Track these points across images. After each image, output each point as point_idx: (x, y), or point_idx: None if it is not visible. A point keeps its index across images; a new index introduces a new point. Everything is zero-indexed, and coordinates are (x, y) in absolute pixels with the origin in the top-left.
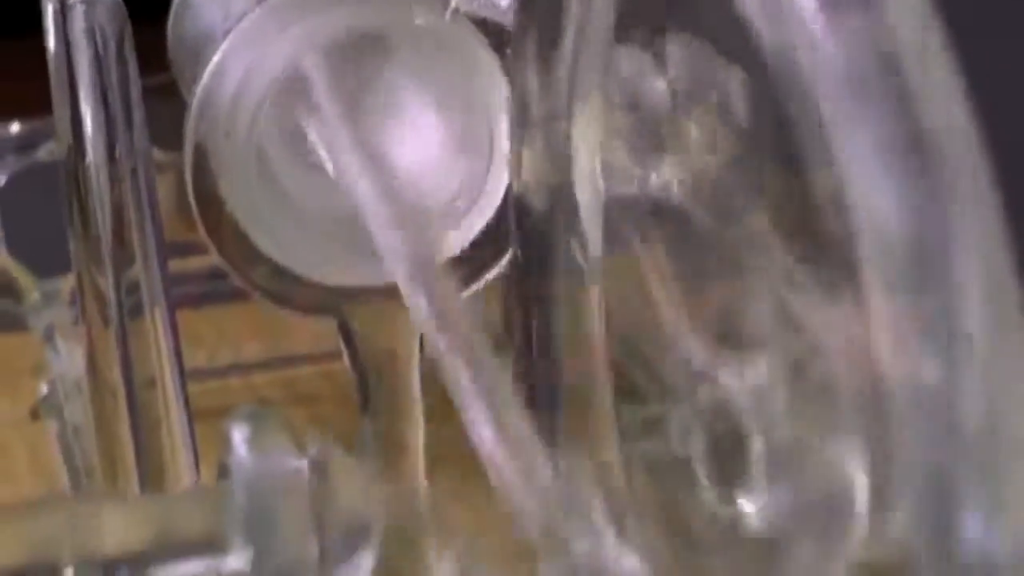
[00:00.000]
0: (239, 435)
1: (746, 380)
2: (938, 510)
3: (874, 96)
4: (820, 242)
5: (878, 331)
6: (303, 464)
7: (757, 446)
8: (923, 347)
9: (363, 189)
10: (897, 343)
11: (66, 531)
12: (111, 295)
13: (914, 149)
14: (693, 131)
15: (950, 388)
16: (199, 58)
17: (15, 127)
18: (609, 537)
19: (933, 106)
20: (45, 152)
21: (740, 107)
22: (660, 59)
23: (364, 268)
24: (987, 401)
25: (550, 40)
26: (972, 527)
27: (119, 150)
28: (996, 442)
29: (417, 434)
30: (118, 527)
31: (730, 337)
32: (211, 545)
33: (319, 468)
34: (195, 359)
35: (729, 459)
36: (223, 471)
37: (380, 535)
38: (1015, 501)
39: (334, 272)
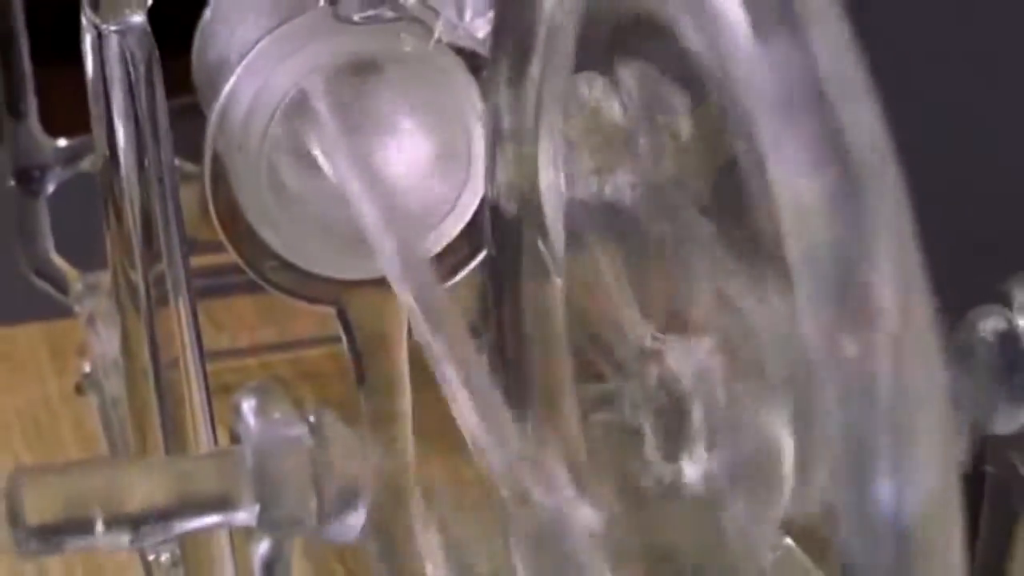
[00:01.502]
0: (247, 406)
1: (688, 359)
2: (855, 472)
3: (799, 113)
4: (753, 239)
5: (803, 315)
6: (303, 430)
7: (697, 416)
8: (841, 326)
9: (357, 194)
10: (819, 324)
11: (98, 490)
12: (141, 287)
13: (834, 156)
14: (642, 144)
15: (865, 361)
16: (216, 82)
17: (61, 142)
18: (569, 492)
19: (852, 120)
20: (87, 164)
21: (683, 123)
22: (614, 83)
23: (359, 263)
24: (898, 372)
25: (519, 66)
26: (886, 487)
27: (148, 161)
28: (907, 410)
29: (405, 405)
30: (144, 486)
31: (674, 322)
32: (224, 502)
33: (317, 434)
34: (217, 342)
35: (673, 428)
36: (234, 438)
37: (371, 492)
38: (924, 463)
39: (333, 267)
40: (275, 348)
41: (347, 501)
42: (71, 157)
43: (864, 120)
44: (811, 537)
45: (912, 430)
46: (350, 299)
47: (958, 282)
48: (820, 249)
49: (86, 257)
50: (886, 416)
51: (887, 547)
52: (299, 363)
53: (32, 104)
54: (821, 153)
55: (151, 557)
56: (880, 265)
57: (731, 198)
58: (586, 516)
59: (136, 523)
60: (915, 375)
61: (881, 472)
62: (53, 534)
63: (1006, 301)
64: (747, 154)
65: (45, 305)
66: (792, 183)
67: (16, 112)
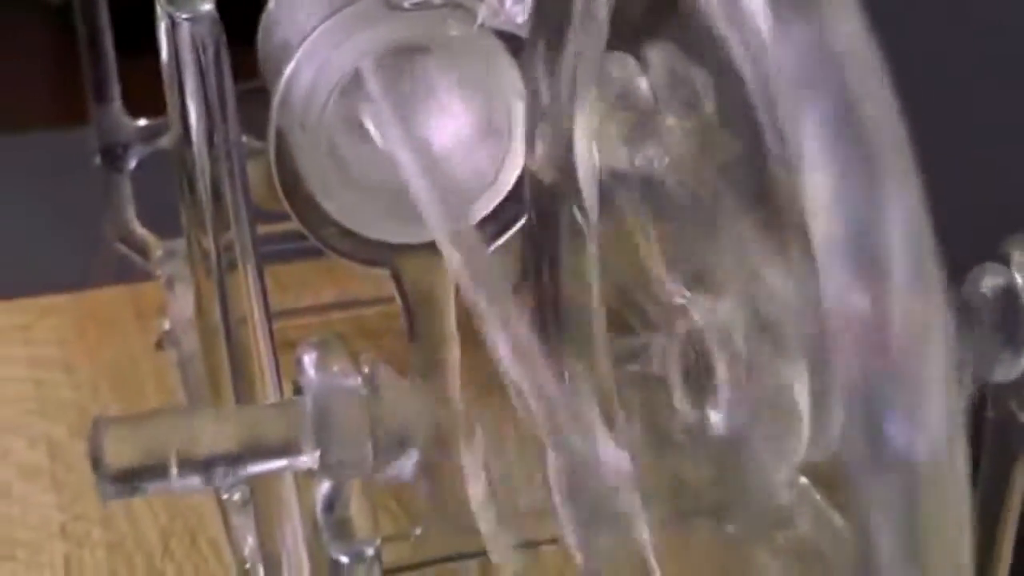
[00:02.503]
0: (308, 359)
1: (713, 316)
2: (867, 418)
3: (817, 89)
4: (774, 207)
5: (821, 275)
6: (359, 382)
7: (721, 368)
8: (855, 283)
9: (407, 165)
10: (835, 283)
11: (172, 437)
12: (212, 252)
13: (851, 131)
14: (670, 119)
15: (878, 317)
16: (279, 66)
17: (142, 122)
18: (602, 436)
19: (867, 96)
20: (165, 141)
21: (708, 101)
22: (643, 63)
23: (411, 229)
24: (908, 326)
25: (556, 48)
26: (896, 432)
27: (217, 138)
28: (916, 361)
29: (454, 357)
30: (214, 434)
31: (701, 282)
32: (288, 447)
33: (372, 384)
34: (283, 302)
35: (698, 378)
36: (297, 389)
37: (422, 437)
38: (932, 409)
39: (388, 232)
40: (335, 307)
41: (399, 445)
42: (150, 135)
43: (877, 95)
44: (826, 478)
45: (920, 379)
46: (403, 262)
47: (962, 242)
48: (835, 212)
49: (165, 226)
50: (896, 366)
51: (897, 487)
52: (357, 321)
53: (115, 89)
54: (837, 125)
55: (224, 497)
56: (891, 227)
57: (753, 168)
58: (617, 458)
59: (207, 467)
60: (923, 328)
61: (892, 418)
62: (131, 478)
63: (1005, 260)
64: (770, 126)
65: (129, 270)
66: (810, 153)
67: (101, 96)
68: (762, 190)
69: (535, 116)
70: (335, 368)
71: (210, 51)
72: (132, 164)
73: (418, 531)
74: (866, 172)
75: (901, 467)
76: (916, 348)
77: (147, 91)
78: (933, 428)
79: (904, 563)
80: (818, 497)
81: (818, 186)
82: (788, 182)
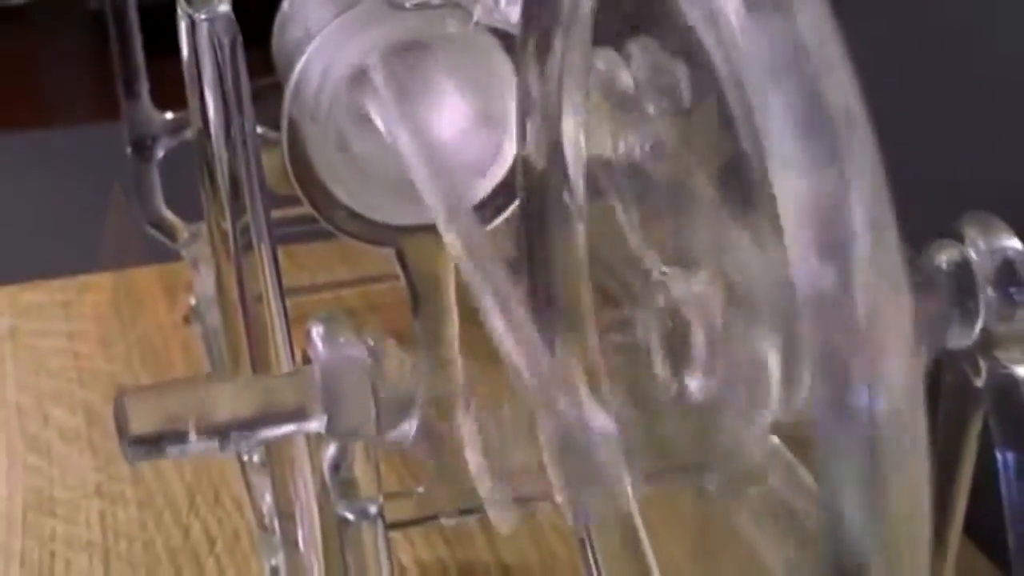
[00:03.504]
0: (316, 332)
1: (691, 290)
2: (833, 382)
3: (784, 75)
4: (747, 189)
5: (789, 251)
6: (363, 352)
7: (698, 337)
8: (822, 257)
9: (409, 152)
10: (802, 258)
11: (191, 404)
12: (230, 234)
13: (817, 116)
14: (650, 109)
15: (843, 290)
16: (291, 62)
17: (168, 115)
18: (589, 401)
19: (829, 80)
20: (190, 133)
21: (685, 91)
22: (626, 57)
23: (413, 211)
24: (871, 299)
25: (545, 44)
26: (860, 395)
27: (233, 130)
28: (879, 331)
29: (453, 331)
30: (230, 401)
31: (680, 259)
32: (298, 413)
33: (375, 355)
34: (299, 280)
35: (677, 347)
36: (306, 359)
37: (422, 403)
38: (894, 374)
39: (392, 215)
40: (347, 284)
41: (400, 411)
42: (177, 128)
43: (840, 80)
44: (795, 437)
45: (883, 345)
46: (406, 242)
47: (919, 220)
48: (802, 192)
49: (191, 210)
50: (860, 336)
51: (862, 446)
52: (368, 296)
53: (144, 85)
54: (803, 111)
55: (244, 458)
56: (855, 205)
57: (726, 153)
58: (603, 422)
59: (223, 432)
60: (885, 299)
61: (856, 382)
62: (153, 442)
63: (959, 237)
64: (741, 113)
65: (159, 251)
66: (778, 134)
67: (131, 92)
68: (736, 174)
69: (527, 107)
70: (341, 340)
71: (227, 49)
72: (160, 154)
73: (421, 489)
74: (831, 155)
75: (864, 427)
76: (879, 319)
77: (174, 87)
78: (894, 390)
79: (867, 513)
80: (789, 455)
81: (786, 169)
82: (759, 166)
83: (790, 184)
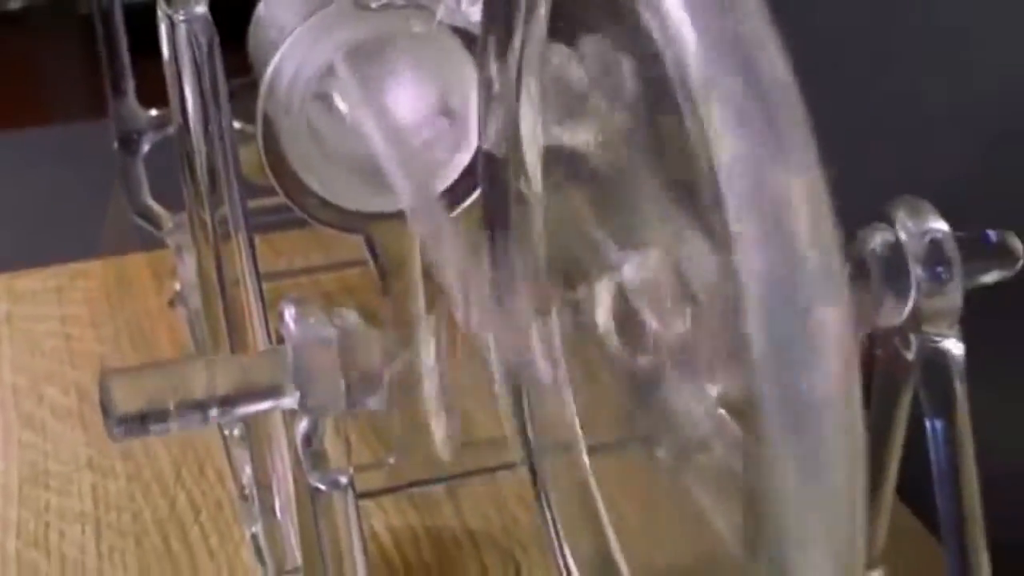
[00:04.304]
0: (288, 313)
1: (641, 272)
2: (776, 358)
3: (727, 67)
4: (691, 173)
5: (732, 236)
6: (333, 331)
7: (648, 318)
8: (760, 242)
9: (379, 143)
10: (744, 243)
11: (172, 384)
12: (209, 223)
13: (755, 99)
14: (601, 103)
15: (782, 271)
16: (266, 60)
17: (153, 112)
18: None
19: (765, 66)
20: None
21: (631, 87)
22: (579, 54)
23: (381, 200)
24: (811, 290)
25: (504, 42)
26: (800, 370)
27: (211, 125)
28: (816, 308)
29: (420, 309)
30: (208, 380)
31: (631, 242)
32: (273, 390)
33: (344, 333)
34: (276, 265)
35: (628, 326)
36: (279, 339)
37: (389, 377)
38: (831, 350)
39: (362, 203)
40: (322, 268)
41: (369, 386)
42: (161, 123)
43: (775, 65)
44: (741, 410)
45: (822, 327)
46: (375, 228)
47: (853, 205)
48: (743, 179)
49: (176, 201)
50: (800, 315)
51: (803, 419)
52: (342, 280)
53: (130, 84)
54: (744, 92)
55: (226, 433)
56: (794, 192)
57: (671, 142)
58: (546, 370)
59: (202, 409)
60: (821, 281)
61: (797, 358)
62: (137, 421)
63: (890, 220)
64: (686, 102)
65: (146, 239)
66: (720, 116)
67: (118, 90)
68: (682, 161)
69: (488, 100)
70: (311, 320)
71: (204, 48)
72: (145, 148)
73: (392, 460)
74: (770, 142)
75: (804, 402)
76: (816, 298)
77: (158, 85)
78: (831, 365)
79: (809, 478)
80: (735, 425)
81: (727, 156)
82: (704, 154)
83: (731, 172)
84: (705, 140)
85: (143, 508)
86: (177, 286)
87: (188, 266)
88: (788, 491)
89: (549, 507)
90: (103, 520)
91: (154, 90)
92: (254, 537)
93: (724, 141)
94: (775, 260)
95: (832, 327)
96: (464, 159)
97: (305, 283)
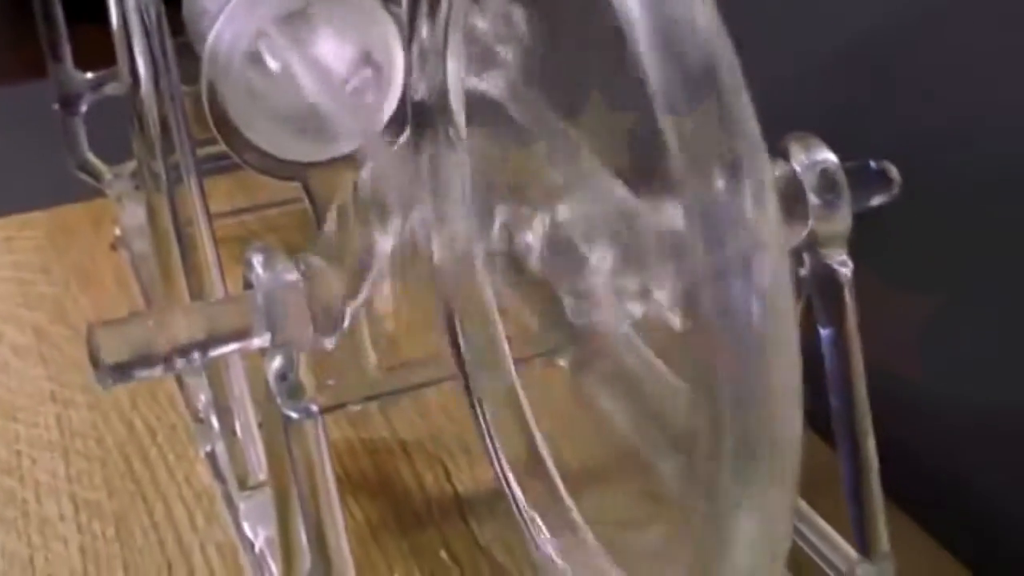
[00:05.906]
0: (256, 260)
1: (566, 211)
2: (718, 279)
3: (666, 40)
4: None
5: (674, 179)
6: (298, 276)
7: (570, 249)
8: (709, 178)
9: (321, 96)
10: (684, 178)
11: (153, 333)
12: (162, 172)
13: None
14: (504, 54)
15: (727, 203)
16: (203, 29)
17: (88, 75)
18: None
19: (701, 42)
20: (109, 90)
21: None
22: (481, 6)
23: (315, 149)
24: (747, 212)
25: (435, 3)
26: (740, 287)
27: (162, 84)
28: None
29: (355, 245)
30: (186, 327)
31: (542, 188)
32: (244, 333)
33: (308, 277)
34: (222, 206)
35: (552, 256)
36: (247, 284)
37: (348, 317)
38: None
39: (298, 153)
40: (246, 210)
41: (332, 322)
42: (96, 85)
43: (713, 43)
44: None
45: (758, 247)
46: (311, 175)
47: None
48: (681, 122)
49: (112, 155)
50: (739, 238)
51: (744, 339)
52: (264, 220)
53: (67, 49)
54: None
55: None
56: (734, 135)
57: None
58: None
59: (182, 354)
60: (757, 212)
61: (736, 276)
62: (124, 369)
63: (785, 154)
64: (632, 66)
65: (86, 190)
66: (661, 75)
67: (56, 56)
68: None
69: (418, 52)
70: (279, 267)
71: (153, 15)
72: (83, 108)
73: (331, 382)
74: (708, 103)
75: (749, 320)
76: (754, 228)
77: (94, 49)
78: (770, 288)
79: (747, 386)
80: (641, 343)
81: (665, 96)
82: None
83: (665, 110)
84: (645, 85)
85: (105, 434)
86: (117, 232)
87: (128, 213)
88: (740, 402)
89: (483, 415)
90: (70, 447)
91: (90, 53)
92: (209, 455)
93: (664, 86)
94: (708, 202)
95: (769, 250)
96: (391, 105)
97: (232, 224)
